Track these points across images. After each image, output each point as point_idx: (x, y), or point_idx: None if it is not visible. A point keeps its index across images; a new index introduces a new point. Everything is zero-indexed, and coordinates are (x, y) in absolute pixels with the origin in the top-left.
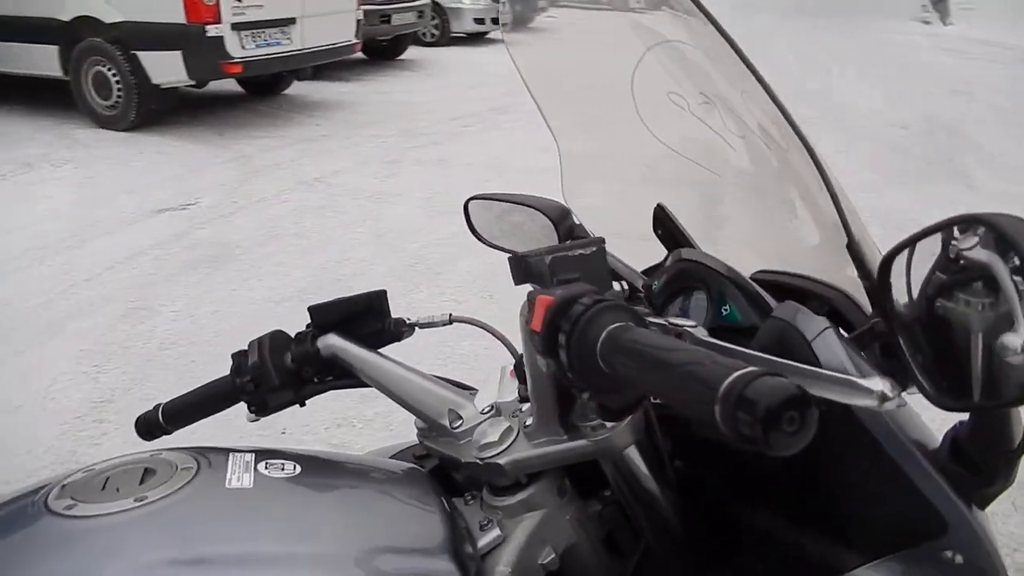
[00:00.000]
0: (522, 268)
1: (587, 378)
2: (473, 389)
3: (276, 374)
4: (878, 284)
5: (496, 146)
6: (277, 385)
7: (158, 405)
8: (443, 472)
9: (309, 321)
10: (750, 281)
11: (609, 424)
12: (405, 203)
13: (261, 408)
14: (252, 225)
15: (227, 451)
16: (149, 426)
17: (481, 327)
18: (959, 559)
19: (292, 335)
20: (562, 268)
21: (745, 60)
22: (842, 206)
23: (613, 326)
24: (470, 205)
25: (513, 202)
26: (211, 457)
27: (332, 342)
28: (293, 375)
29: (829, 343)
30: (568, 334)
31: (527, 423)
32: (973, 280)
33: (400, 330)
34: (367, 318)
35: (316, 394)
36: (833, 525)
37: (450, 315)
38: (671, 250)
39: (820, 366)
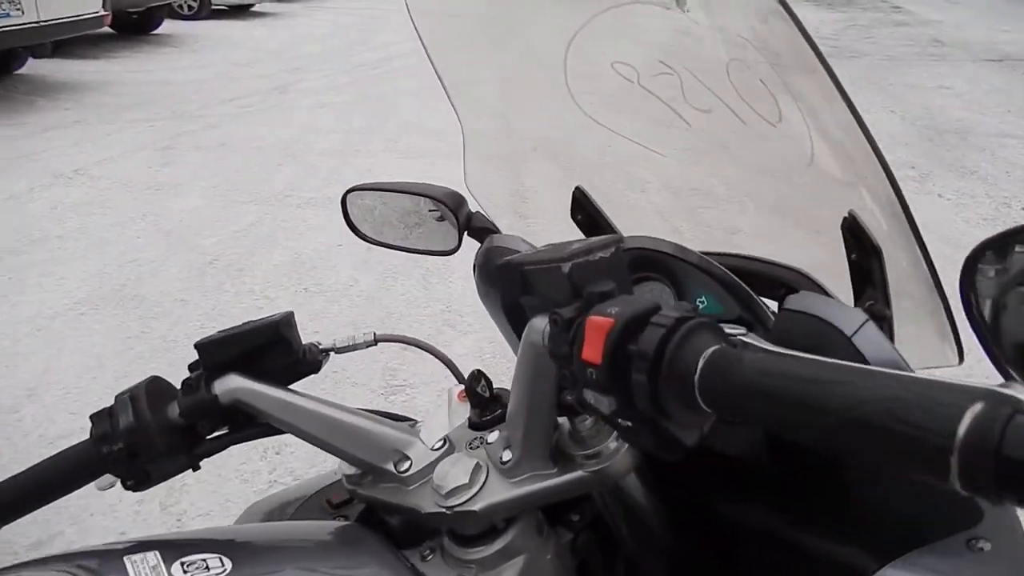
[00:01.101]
0: (521, 279)
1: (674, 415)
2: (410, 420)
3: (162, 436)
4: (964, 277)
5: (285, 127)
6: (163, 450)
7: None
8: (373, 520)
9: (193, 362)
10: (723, 268)
11: (600, 447)
12: (190, 194)
13: (141, 481)
14: (2, 230)
15: (116, 555)
16: None
17: (413, 345)
18: (987, 546)
19: (172, 381)
20: (586, 277)
21: (801, 28)
22: (895, 179)
23: (712, 350)
24: (348, 197)
25: (399, 191)
26: (104, 572)
27: (233, 385)
28: (183, 433)
29: (873, 338)
30: (649, 365)
31: (503, 458)
32: None
33: (316, 359)
34: (272, 349)
35: (214, 452)
36: (848, 523)
37: (374, 334)
38: (589, 236)
39: (867, 362)
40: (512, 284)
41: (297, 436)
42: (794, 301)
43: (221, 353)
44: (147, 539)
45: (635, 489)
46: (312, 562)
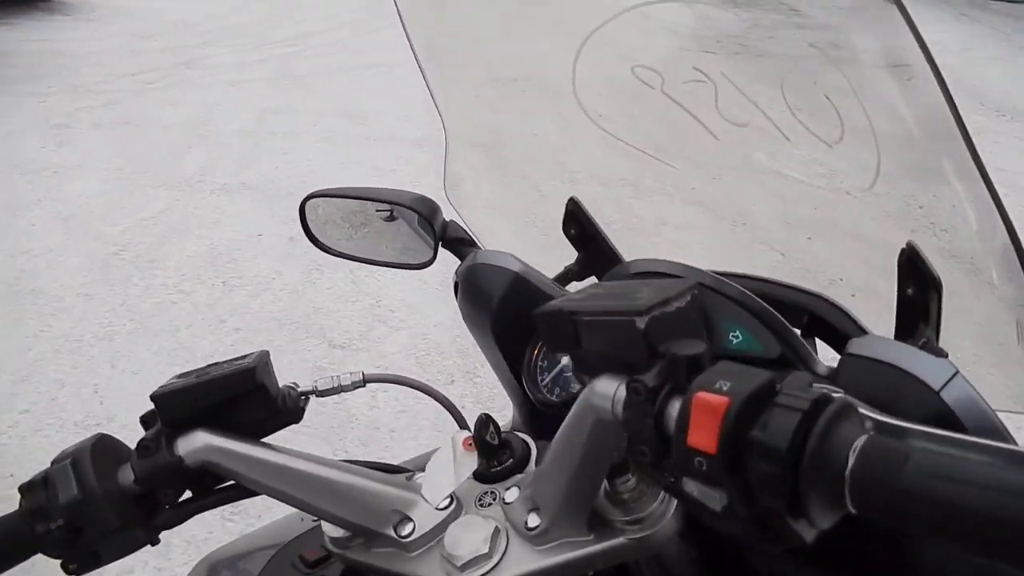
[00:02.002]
0: (573, 330)
1: (812, 515)
2: (406, 470)
3: (113, 509)
4: None
5: (193, 106)
6: (115, 526)
7: None
8: None
9: (146, 414)
10: (758, 299)
11: (645, 512)
12: (90, 176)
13: (87, 563)
14: None
15: None
16: None
17: (408, 385)
18: None
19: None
20: (663, 333)
21: (918, 36)
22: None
23: (864, 441)
24: (307, 205)
25: (364, 198)
26: None
27: (200, 443)
28: (138, 502)
29: (964, 393)
30: (784, 458)
31: (528, 522)
32: None
33: (296, 406)
34: (245, 398)
35: (176, 523)
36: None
37: (362, 374)
38: (583, 252)
39: (959, 423)
40: (558, 335)
41: (276, 499)
42: (861, 346)
43: (184, 407)
44: None
45: (676, 553)
46: None
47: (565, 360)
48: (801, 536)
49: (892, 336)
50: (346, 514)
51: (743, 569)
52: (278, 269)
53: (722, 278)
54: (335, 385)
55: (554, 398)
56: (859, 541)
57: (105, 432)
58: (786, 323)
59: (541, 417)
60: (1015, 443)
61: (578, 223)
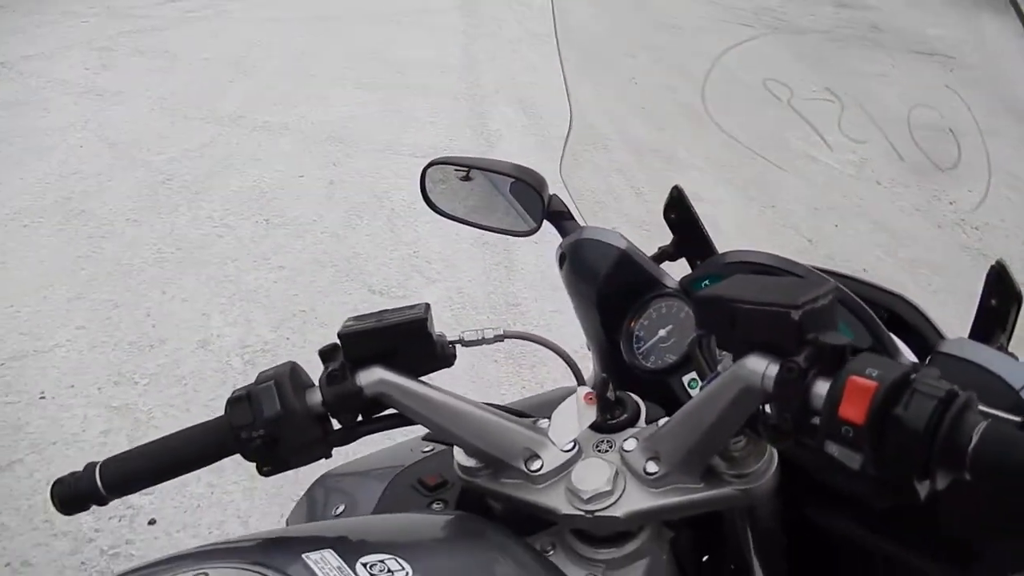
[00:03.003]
0: (730, 315)
1: (936, 480)
2: (531, 416)
3: (305, 425)
4: None
5: (234, 41)
6: (307, 440)
7: (91, 465)
8: (472, 507)
9: (327, 348)
10: (857, 299)
11: (751, 469)
12: (134, 103)
13: (278, 465)
14: None
15: (294, 552)
16: (77, 495)
17: (540, 343)
18: None
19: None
20: (811, 324)
21: None
22: None
23: (985, 425)
24: (428, 171)
25: (480, 168)
26: (290, 571)
27: (378, 377)
28: (322, 422)
29: None
30: (922, 435)
31: (647, 468)
32: None
33: (450, 353)
34: (412, 343)
35: (348, 441)
36: (941, 547)
37: (503, 330)
38: (678, 236)
39: None
40: (715, 318)
41: (429, 428)
42: (952, 346)
43: (365, 345)
44: (315, 533)
45: (767, 505)
46: (470, 559)
47: (661, 333)
48: (919, 493)
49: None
50: (485, 446)
51: (805, 522)
52: (319, 212)
53: (823, 275)
54: (479, 338)
55: (649, 364)
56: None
57: (294, 360)
58: (877, 320)
59: (623, 379)
60: None
61: (679, 209)
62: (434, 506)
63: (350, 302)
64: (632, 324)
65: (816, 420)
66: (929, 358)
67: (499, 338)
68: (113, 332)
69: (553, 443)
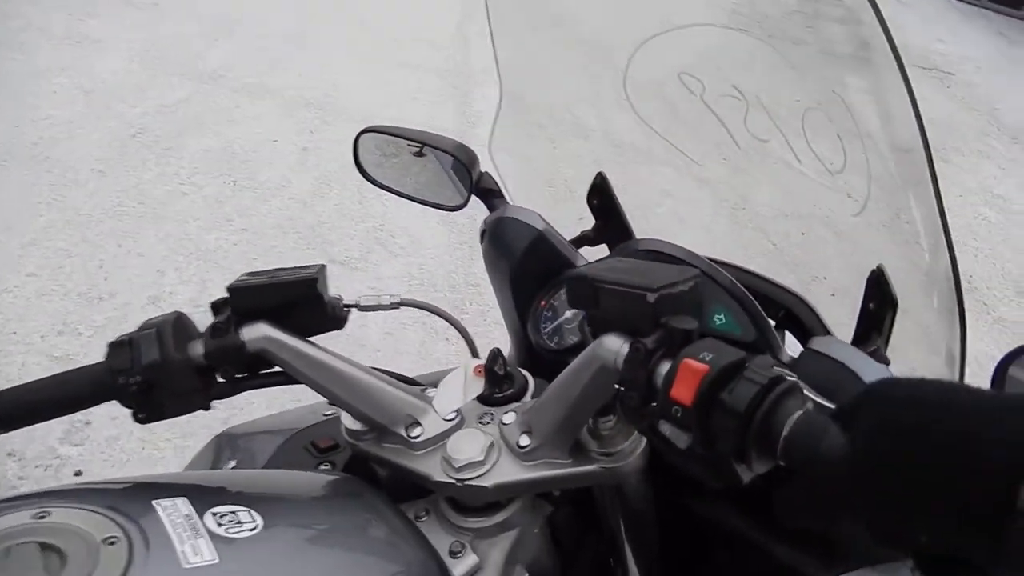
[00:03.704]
0: (594, 294)
1: (750, 462)
2: (420, 384)
3: (184, 375)
4: (996, 381)
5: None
6: (182, 389)
7: None
8: (358, 470)
9: (217, 301)
10: (747, 292)
11: (618, 448)
12: (114, 53)
13: (153, 414)
14: None
15: (145, 498)
16: None
17: (437, 314)
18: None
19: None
20: (667, 308)
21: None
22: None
23: (799, 415)
24: (361, 138)
25: (412, 139)
26: (136, 516)
27: (262, 333)
28: (204, 374)
29: None
30: (740, 418)
31: (520, 442)
32: None
33: (341, 315)
34: (303, 302)
35: (227, 395)
36: (808, 538)
37: (400, 298)
38: (600, 221)
39: None
40: (580, 296)
41: (313, 389)
42: (820, 343)
43: (253, 300)
44: (172, 479)
45: (635, 485)
46: (328, 518)
47: (567, 315)
48: (739, 477)
49: (851, 339)
50: (368, 410)
51: (684, 510)
52: (289, 178)
53: (717, 267)
54: (375, 303)
55: (552, 344)
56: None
57: (182, 311)
58: (764, 314)
59: (535, 357)
60: None
61: (601, 195)
62: (321, 467)
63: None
64: (541, 304)
65: (656, 387)
66: (799, 354)
67: (395, 305)
68: (64, 281)
69: (436, 412)
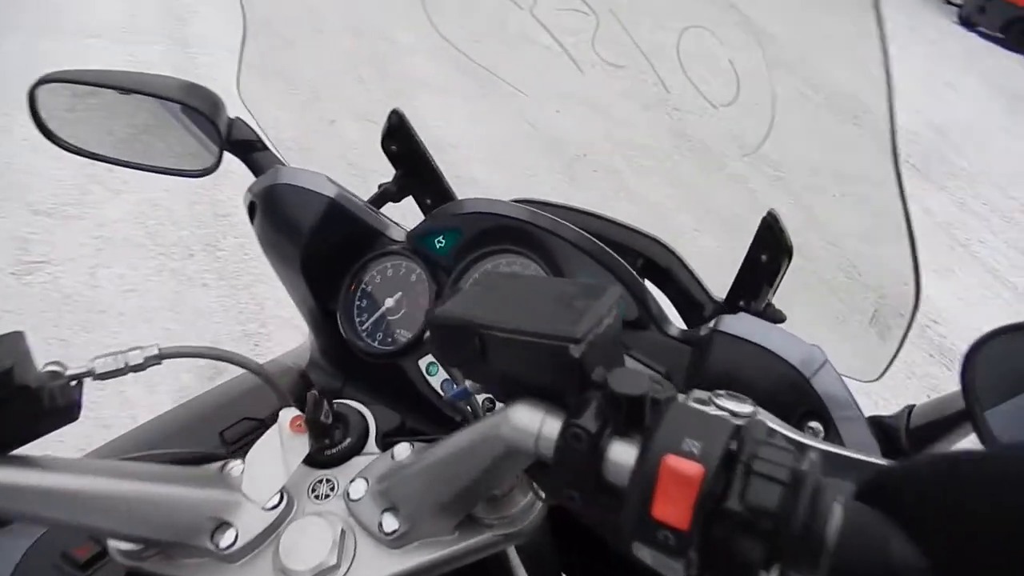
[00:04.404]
0: (480, 345)
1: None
2: (216, 456)
3: None
4: (965, 366)
5: None
6: None
7: None
8: None
9: None
10: (624, 263)
11: (516, 507)
12: None
13: None
14: None
15: None
16: None
17: (213, 358)
18: None
19: None
20: (599, 358)
21: None
22: None
23: (847, 512)
24: (40, 92)
25: (120, 88)
26: None
27: None
28: None
29: (831, 381)
30: (767, 535)
31: (384, 526)
32: None
33: (70, 400)
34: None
35: None
36: None
37: (158, 347)
38: (401, 170)
39: (825, 410)
40: (457, 347)
41: (41, 524)
42: (731, 324)
43: None
44: None
45: (538, 540)
46: None
47: (389, 303)
48: None
49: (727, 291)
50: (144, 531)
51: (600, 554)
52: None
53: (584, 235)
54: (121, 364)
55: (375, 344)
56: None
57: None
58: (644, 286)
59: (349, 353)
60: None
61: (399, 138)
62: None
63: (3, 230)
64: (351, 289)
65: (611, 484)
66: (708, 333)
67: (154, 360)
68: None
69: (250, 499)
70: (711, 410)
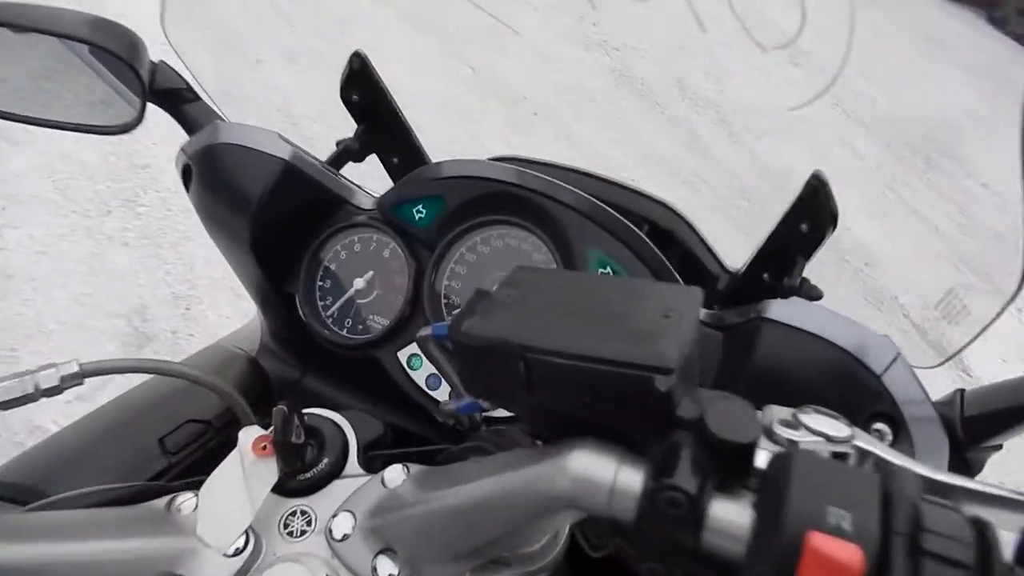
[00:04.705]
0: (526, 373)
1: None
2: (167, 489)
3: None
4: None
5: None
6: None
7: None
8: None
9: None
10: (638, 232)
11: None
12: None
13: None
14: None
15: None
16: None
17: (167, 373)
18: None
19: None
20: (685, 384)
21: None
22: None
23: None
24: None
25: (4, 24)
26: None
27: None
28: None
29: (904, 378)
30: None
31: (380, 569)
32: None
33: None
34: None
35: None
36: None
37: (78, 365)
38: (363, 124)
39: (897, 409)
40: (496, 377)
41: None
42: (782, 311)
43: None
44: None
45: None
46: None
47: (359, 284)
48: None
49: (746, 262)
50: None
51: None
52: None
53: (598, 203)
54: (30, 390)
55: (344, 332)
56: None
57: None
58: (663, 258)
59: (308, 337)
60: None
61: (361, 87)
62: None
63: None
64: (312, 271)
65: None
66: (752, 320)
67: (73, 380)
68: None
69: (207, 545)
70: (817, 443)
